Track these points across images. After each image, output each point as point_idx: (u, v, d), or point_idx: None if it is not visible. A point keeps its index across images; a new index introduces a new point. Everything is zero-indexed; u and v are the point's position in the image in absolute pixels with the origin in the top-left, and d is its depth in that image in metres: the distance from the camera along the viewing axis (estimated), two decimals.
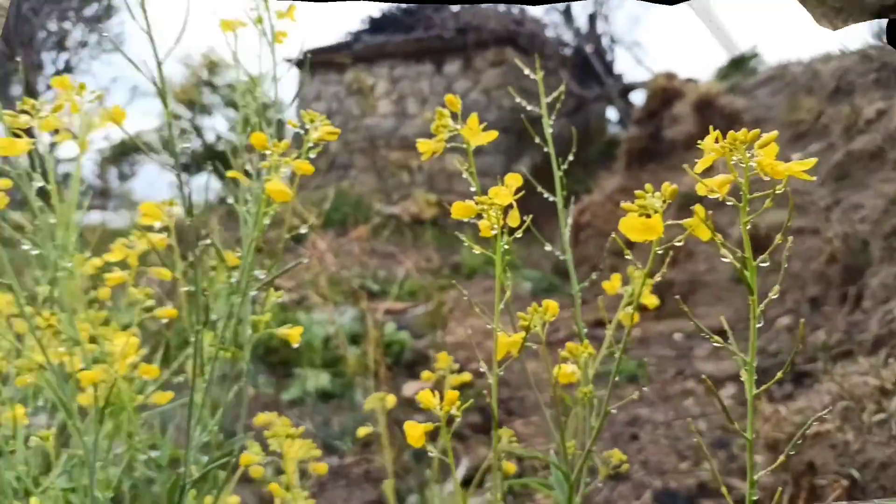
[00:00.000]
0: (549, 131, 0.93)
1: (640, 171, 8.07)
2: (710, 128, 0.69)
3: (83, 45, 13.49)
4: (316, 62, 11.65)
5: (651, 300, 0.85)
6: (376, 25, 12.16)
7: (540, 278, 7.14)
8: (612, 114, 13.18)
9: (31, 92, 12.13)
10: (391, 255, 6.62)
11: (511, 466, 1.08)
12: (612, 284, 0.86)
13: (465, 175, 0.80)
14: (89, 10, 13.53)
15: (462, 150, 0.83)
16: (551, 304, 0.76)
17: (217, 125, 13.01)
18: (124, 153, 12.63)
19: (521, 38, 10.55)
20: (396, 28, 11.60)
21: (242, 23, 0.89)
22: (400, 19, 11.90)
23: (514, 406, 4.25)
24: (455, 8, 11.66)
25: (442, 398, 3.24)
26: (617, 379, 3.60)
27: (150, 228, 0.78)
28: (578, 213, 7.94)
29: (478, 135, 0.76)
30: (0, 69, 11.72)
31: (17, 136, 0.75)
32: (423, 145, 0.79)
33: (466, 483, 3.10)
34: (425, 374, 1.18)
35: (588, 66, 11.95)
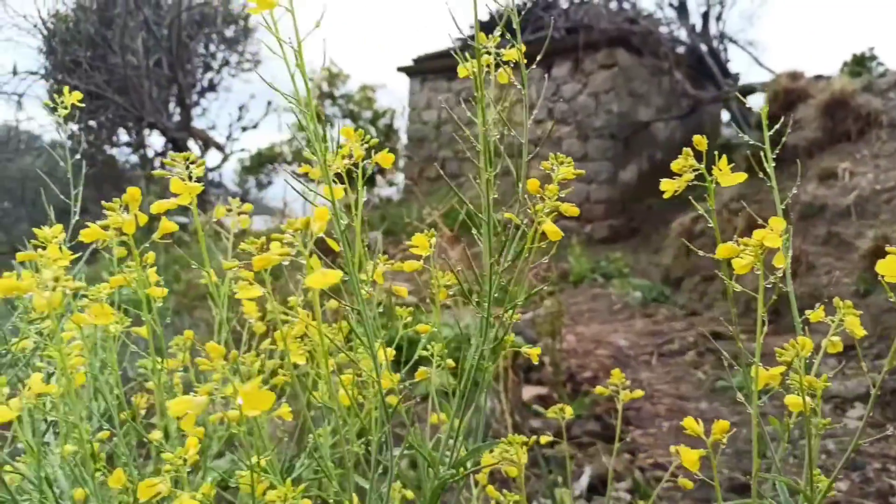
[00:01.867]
0: (771, 166, 0.95)
1: (760, 178, 7.76)
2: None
3: (224, 64, 14.60)
4: (426, 70, 11.96)
5: (860, 330, 0.87)
6: (485, 30, 12.27)
7: (649, 288, 7.02)
8: (724, 116, 12.67)
9: (185, 108, 13.28)
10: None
11: (688, 483, 1.15)
12: (818, 314, 0.90)
13: (702, 213, 0.87)
14: (229, 32, 14.65)
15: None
16: (807, 342, 0.80)
17: (335, 135, 13.72)
18: (262, 163, 13.59)
19: (634, 38, 10.35)
20: (505, 31, 11.65)
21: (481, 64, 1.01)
22: (508, 21, 11.94)
23: (630, 416, 4.27)
24: (565, 4, 11.59)
25: (555, 402, 3.32)
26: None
27: (418, 257, 0.92)
28: (691, 221, 7.73)
29: (727, 175, 0.83)
30: (165, 91, 12.93)
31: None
32: (666, 184, 0.87)
33: (590, 490, 3.16)
34: (599, 388, 1.26)
35: (703, 66, 11.54)
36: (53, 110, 1.09)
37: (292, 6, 0.68)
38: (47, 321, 1.02)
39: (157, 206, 0.72)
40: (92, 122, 13.81)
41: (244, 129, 14.37)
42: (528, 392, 4.29)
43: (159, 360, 0.83)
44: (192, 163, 0.77)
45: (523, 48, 0.98)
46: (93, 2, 13.62)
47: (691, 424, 0.84)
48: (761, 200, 7.12)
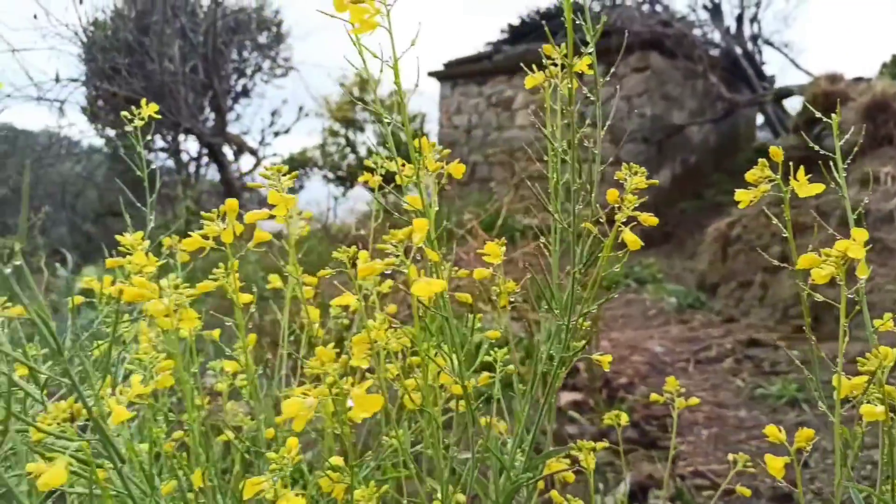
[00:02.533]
0: (842, 175, 0.93)
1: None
2: None
3: (257, 69, 14.82)
4: (456, 74, 12.00)
5: None
6: (517, 34, 12.31)
7: (685, 293, 6.94)
8: (759, 119, 12.48)
9: (220, 113, 13.53)
10: (533, 265, 6.76)
11: (746, 490, 1.15)
12: (888, 324, 0.89)
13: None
14: (262, 38, 14.88)
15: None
16: (889, 351, 0.79)
17: (369, 140, 13.84)
18: (293, 168, 13.79)
19: (668, 41, 10.25)
20: (537, 36, 11.68)
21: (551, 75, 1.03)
22: (540, 26, 11.95)
23: (668, 423, 4.23)
24: (597, 8, 11.52)
25: (593, 409, 3.32)
26: (777, 403, 3.52)
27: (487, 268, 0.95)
28: (727, 226, 7.62)
29: (805, 186, 0.84)
30: (200, 96, 13.20)
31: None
32: (742, 195, 0.88)
33: (630, 497, 3.15)
34: (654, 396, 1.26)
35: (738, 69, 11.38)
36: (130, 121, 1.14)
37: (391, 27, 0.70)
38: (125, 324, 1.06)
39: (251, 216, 0.76)
40: (129, 128, 14.12)
41: (276, 134, 14.58)
42: (564, 398, 4.28)
43: (244, 363, 0.87)
44: (285, 174, 0.80)
45: (593, 61, 0.99)
46: (131, 10, 13.95)
47: (773, 432, 0.85)
48: (799, 205, 7.00)
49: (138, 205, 1.14)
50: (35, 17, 14.08)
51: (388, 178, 1.27)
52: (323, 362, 0.58)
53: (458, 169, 0.95)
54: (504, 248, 1.10)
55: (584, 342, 0.86)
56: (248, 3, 14.80)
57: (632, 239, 0.81)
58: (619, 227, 0.83)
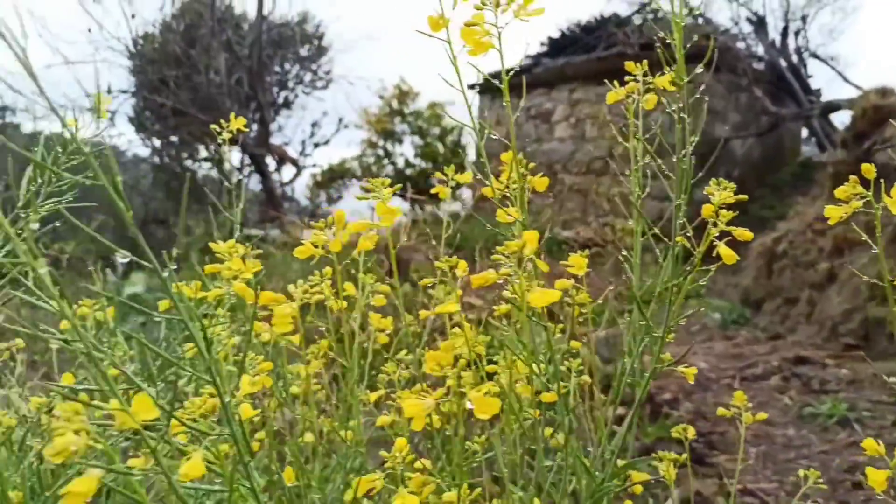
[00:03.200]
0: None
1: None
2: None
3: (299, 82, 15.13)
4: (496, 87, 12.02)
5: None
6: (556, 47, 12.29)
7: (729, 309, 6.81)
8: (804, 132, 12.23)
9: (264, 125, 13.85)
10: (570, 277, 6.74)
11: None
12: None
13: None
14: (304, 51, 15.21)
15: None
16: None
17: (406, 151, 13.96)
18: (332, 178, 14.04)
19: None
20: (577, 49, 11.65)
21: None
22: (580, 39, 11.92)
23: (715, 440, 4.15)
24: (638, 21, 11.48)
25: (637, 424, 3.27)
26: (827, 422, 3.45)
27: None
28: (773, 241, 7.47)
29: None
30: (245, 109, 13.54)
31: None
32: (832, 211, 0.88)
33: None
34: (721, 410, 1.25)
35: (783, 83, 11.19)
36: (219, 133, 1.19)
37: (501, 49, 0.74)
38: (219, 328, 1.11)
39: (355, 227, 0.79)
40: (174, 138, 14.56)
41: (316, 145, 14.82)
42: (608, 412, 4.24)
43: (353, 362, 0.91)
44: (386, 186, 0.84)
45: (675, 80, 1.01)
46: (179, 23, 14.40)
47: (871, 445, 0.84)
48: (846, 221, 6.82)
49: (225, 206, 1.19)
50: (90, 31, 14.63)
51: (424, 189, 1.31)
52: (441, 366, 0.61)
53: (541, 182, 0.97)
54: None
55: (682, 355, 0.87)
56: (292, 17, 15.14)
57: (727, 253, 0.82)
58: (713, 240, 0.84)
